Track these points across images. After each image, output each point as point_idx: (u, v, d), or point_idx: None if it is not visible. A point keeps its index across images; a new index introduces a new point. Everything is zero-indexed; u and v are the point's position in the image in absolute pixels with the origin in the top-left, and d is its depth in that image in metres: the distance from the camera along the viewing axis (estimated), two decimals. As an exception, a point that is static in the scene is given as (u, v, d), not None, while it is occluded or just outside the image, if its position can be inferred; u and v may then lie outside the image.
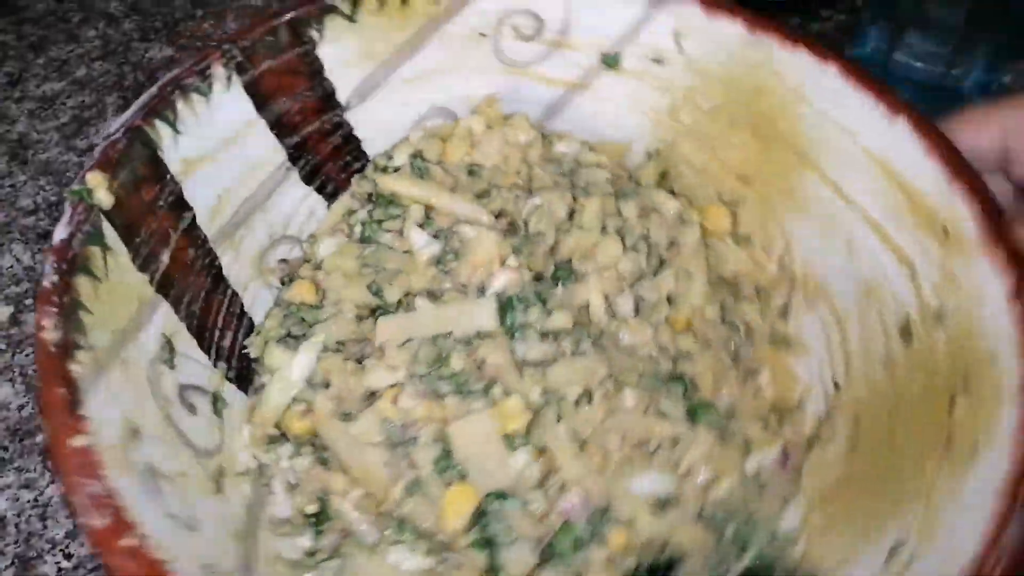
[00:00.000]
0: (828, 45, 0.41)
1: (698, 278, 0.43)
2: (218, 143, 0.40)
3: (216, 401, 0.38)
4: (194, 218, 0.39)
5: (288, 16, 0.42)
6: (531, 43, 0.47)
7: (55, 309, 0.30)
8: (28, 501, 0.42)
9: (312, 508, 0.37)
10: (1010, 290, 0.33)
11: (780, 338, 0.44)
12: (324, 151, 0.46)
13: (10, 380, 0.47)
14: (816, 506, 0.38)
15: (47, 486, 0.43)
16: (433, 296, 0.39)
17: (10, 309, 0.50)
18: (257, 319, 0.43)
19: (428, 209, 0.43)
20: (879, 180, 0.40)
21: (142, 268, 0.36)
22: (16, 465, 0.43)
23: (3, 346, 0.49)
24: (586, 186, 0.44)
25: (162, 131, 0.37)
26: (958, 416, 0.33)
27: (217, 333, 0.40)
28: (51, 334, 0.29)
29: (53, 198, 0.56)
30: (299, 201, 0.46)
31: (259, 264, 0.44)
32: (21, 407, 0.46)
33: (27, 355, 0.48)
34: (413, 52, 0.46)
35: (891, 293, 0.39)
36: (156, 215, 0.37)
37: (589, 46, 0.47)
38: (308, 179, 0.46)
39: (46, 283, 0.31)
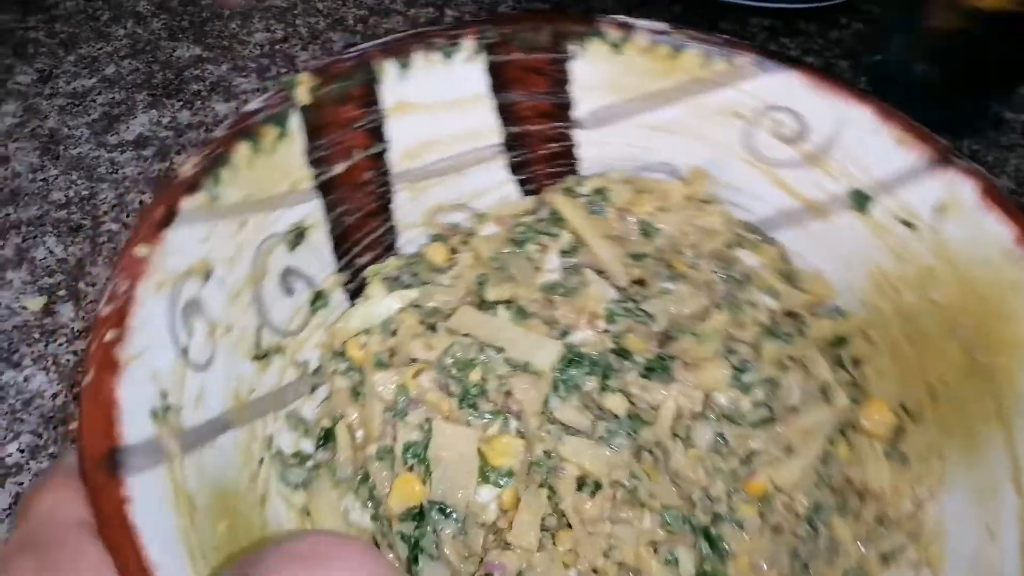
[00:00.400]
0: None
1: (800, 459, 0.37)
2: (438, 100, 0.43)
3: (318, 298, 0.42)
4: (384, 151, 0.43)
5: (557, 22, 0.43)
6: (786, 146, 0.43)
7: (203, 154, 0.35)
8: None
9: (327, 423, 0.39)
10: None
11: (862, 577, 0.36)
12: (540, 152, 0.47)
13: (44, 369, 0.47)
14: None
15: None
16: (523, 314, 0.39)
17: (43, 300, 0.50)
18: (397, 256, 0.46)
19: (578, 243, 0.42)
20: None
21: (313, 164, 0.41)
22: (51, 452, 0.44)
23: (37, 335, 0.49)
24: (741, 303, 0.40)
25: (389, 69, 0.41)
26: None
27: (358, 249, 0.44)
28: (183, 168, 0.35)
29: (85, 192, 0.57)
30: (497, 183, 0.47)
31: (431, 216, 0.46)
32: (55, 395, 0.46)
33: (60, 344, 0.48)
34: (664, 104, 0.45)
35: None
36: (348, 132, 0.42)
37: (844, 176, 0.42)
38: (515, 169, 0.47)
39: (214, 134, 0.36)
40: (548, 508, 0.34)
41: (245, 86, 0.67)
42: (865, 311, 0.41)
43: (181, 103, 0.65)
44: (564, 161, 0.48)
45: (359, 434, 0.38)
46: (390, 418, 0.36)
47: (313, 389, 0.41)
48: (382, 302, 0.41)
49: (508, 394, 0.36)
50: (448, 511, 0.34)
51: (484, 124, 0.45)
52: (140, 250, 0.32)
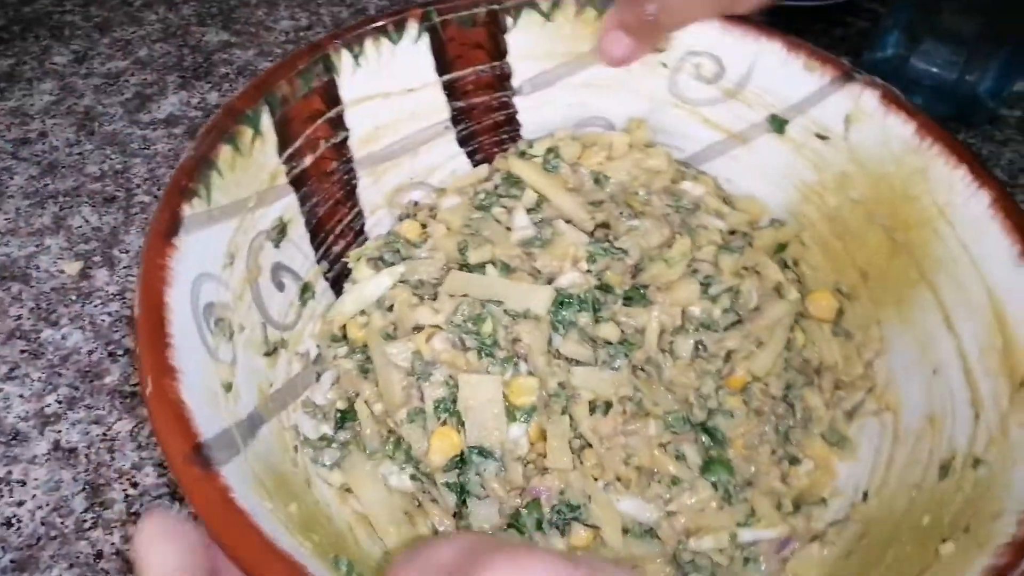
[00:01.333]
0: (853, 54, 0.40)
1: (769, 350, 0.42)
2: (391, 86, 0.46)
3: (305, 290, 0.44)
4: (346, 139, 0.45)
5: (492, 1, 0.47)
6: (708, 86, 0.48)
7: (193, 162, 0.37)
8: (97, 435, 0.45)
9: (342, 404, 0.42)
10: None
11: (838, 437, 0.42)
12: (484, 122, 0.50)
13: (80, 328, 0.50)
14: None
15: (115, 422, 0.46)
16: (507, 269, 0.42)
17: (80, 264, 0.53)
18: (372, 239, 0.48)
19: (541, 200, 0.46)
20: (986, 318, 0.37)
21: (285, 160, 0.42)
22: (87, 403, 0.47)
23: (74, 297, 0.52)
24: (695, 228, 0.45)
25: (345, 60, 0.44)
26: (943, 556, 0.30)
27: (332, 238, 0.46)
28: (182, 177, 0.36)
29: (119, 166, 0.60)
30: (448, 158, 0.50)
31: (392, 197, 0.49)
32: (91, 352, 0.49)
33: (95, 306, 0.51)
34: (592, 63, 0.49)
35: (951, 428, 0.36)
36: (314, 124, 0.44)
37: (761, 105, 0.47)
38: (462, 142, 0.50)
39: (194, 146, 0.38)
40: (571, 432, 0.38)
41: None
42: (796, 218, 0.47)
43: (210, 85, 0.68)
44: (508, 128, 0.51)
45: (377, 407, 0.40)
46: (413, 382, 0.39)
47: (318, 376, 0.43)
48: (372, 282, 0.43)
49: (515, 340, 0.39)
50: (487, 453, 0.37)
51: (433, 103, 0.48)
52: (161, 258, 0.34)
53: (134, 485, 0.44)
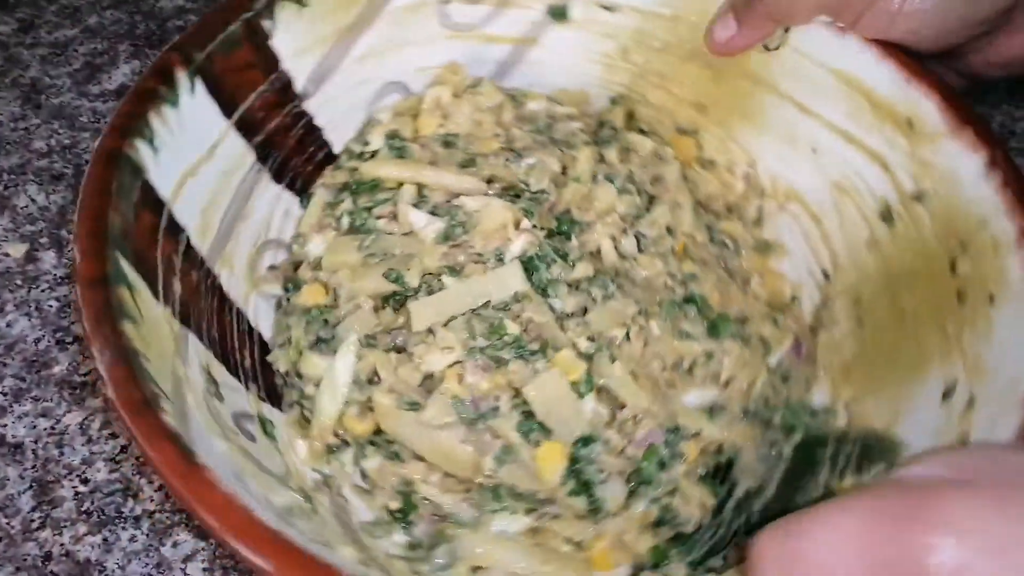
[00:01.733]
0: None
1: (686, 206, 0.45)
2: (195, 155, 0.38)
3: (264, 424, 0.36)
4: (189, 239, 0.37)
5: (240, 8, 0.39)
6: (477, 5, 0.47)
7: (123, 364, 0.28)
8: (45, 429, 0.43)
9: (396, 504, 0.36)
10: (986, 163, 0.37)
11: (762, 245, 0.47)
12: (289, 145, 0.44)
13: (26, 315, 0.48)
14: (840, 381, 0.41)
15: (64, 414, 0.44)
16: (454, 272, 0.39)
17: (26, 247, 0.50)
18: (264, 332, 0.41)
19: (419, 188, 0.42)
20: (837, 89, 0.43)
21: (164, 301, 0.33)
22: (33, 395, 0.44)
23: (19, 282, 0.49)
24: (566, 139, 0.45)
25: (143, 152, 0.34)
26: (963, 272, 0.37)
27: (237, 355, 0.38)
28: (134, 392, 0.27)
29: (67, 141, 0.57)
30: (273, 202, 0.43)
31: (251, 275, 0.41)
32: (37, 340, 0.46)
33: (42, 290, 0.49)
34: (362, 30, 0.44)
35: (865, 186, 0.43)
36: (158, 242, 0.35)
37: (536, 1, 0.47)
38: (277, 177, 0.43)
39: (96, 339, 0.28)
40: (624, 371, 0.38)
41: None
42: (621, 88, 0.49)
43: (163, 52, 0.64)
44: (312, 138, 0.45)
45: (434, 479, 0.36)
46: (475, 429, 0.35)
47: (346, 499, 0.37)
48: (335, 369, 0.37)
49: (527, 328, 0.37)
50: (586, 440, 0.36)
51: (236, 151, 0.41)
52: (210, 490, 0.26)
53: (84, 482, 0.41)
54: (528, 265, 0.39)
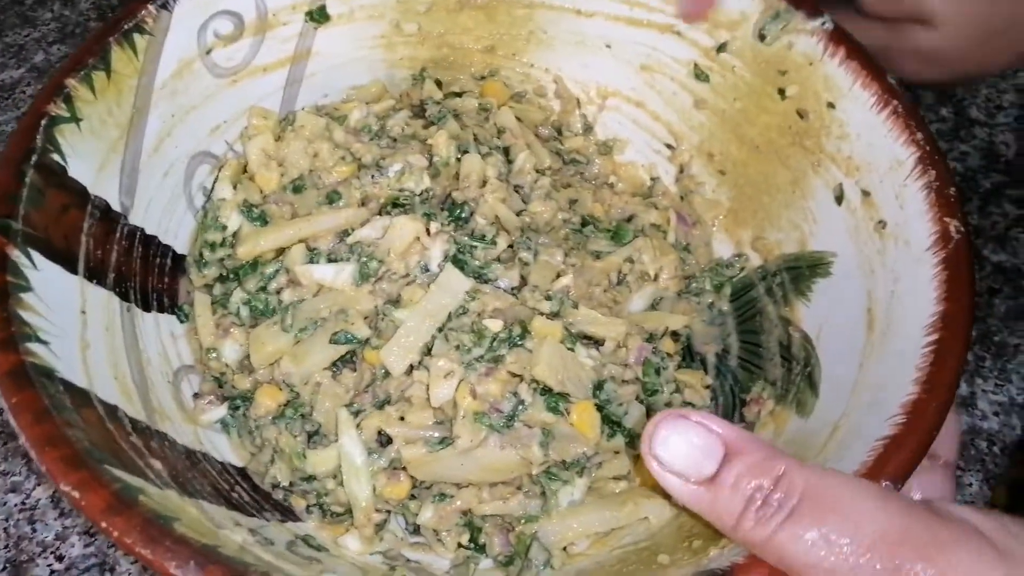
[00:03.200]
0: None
1: (534, 143, 0.47)
2: (75, 326, 0.33)
3: (307, 541, 0.34)
4: (127, 416, 0.32)
5: (21, 154, 0.34)
6: (237, 42, 0.43)
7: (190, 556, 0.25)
8: (16, 505, 0.42)
9: (464, 537, 0.36)
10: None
11: (603, 146, 0.50)
12: (137, 268, 0.39)
13: None
14: (733, 228, 0.46)
15: (33, 488, 0.42)
16: (395, 304, 0.38)
17: None
18: (230, 459, 0.38)
19: (304, 244, 0.40)
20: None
21: (155, 480, 0.30)
22: (1, 469, 0.43)
23: None
24: (407, 133, 0.44)
25: (43, 355, 0.29)
26: (793, 93, 0.42)
27: (236, 495, 0.35)
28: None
29: None
30: (156, 331, 0.39)
31: (184, 411, 0.37)
32: (2, 411, 0.40)
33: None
34: (144, 118, 0.40)
35: (668, 57, 0.47)
36: (111, 431, 0.30)
37: (292, 12, 0.44)
38: (145, 305, 0.39)
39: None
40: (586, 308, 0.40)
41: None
42: (399, 66, 0.48)
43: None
44: (153, 250, 0.40)
45: (486, 495, 0.37)
46: (510, 436, 0.36)
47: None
48: (350, 452, 0.35)
49: (496, 315, 0.38)
50: (598, 386, 0.38)
51: (101, 303, 0.36)
52: None
53: (59, 558, 0.41)
54: (457, 262, 0.39)
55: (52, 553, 0.40)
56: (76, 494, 0.26)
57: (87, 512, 0.25)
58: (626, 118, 0.49)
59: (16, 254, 0.31)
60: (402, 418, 0.36)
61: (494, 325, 0.36)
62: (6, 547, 0.40)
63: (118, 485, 0.26)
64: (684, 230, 0.47)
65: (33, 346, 0.29)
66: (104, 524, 0.25)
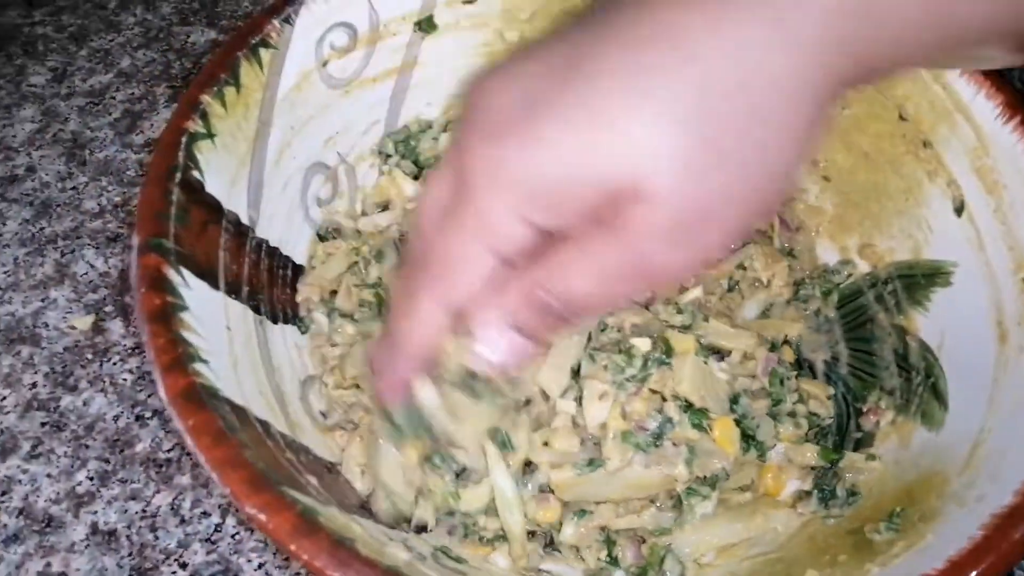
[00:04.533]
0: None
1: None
2: (224, 345, 0.33)
3: (447, 553, 0.35)
4: (279, 432, 0.33)
5: (166, 173, 0.34)
6: (352, 52, 0.44)
7: None
8: (136, 512, 0.42)
9: (603, 553, 0.37)
10: None
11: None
12: (264, 281, 0.40)
13: (102, 391, 0.46)
14: (838, 234, 0.46)
15: (153, 495, 0.42)
16: None
17: (92, 318, 0.48)
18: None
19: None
20: None
21: (332, 501, 0.30)
22: (120, 477, 0.43)
23: (90, 356, 0.47)
24: None
25: (206, 373, 0.30)
26: (905, 102, 0.42)
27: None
28: None
29: (117, 198, 0.54)
30: (283, 343, 0.40)
31: (315, 421, 0.38)
32: (116, 418, 0.45)
33: (114, 364, 0.47)
34: (268, 132, 0.40)
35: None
36: (272, 452, 0.31)
37: (402, 23, 0.45)
38: (273, 318, 0.39)
39: None
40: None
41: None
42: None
43: (203, 89, 0.59)
44: (276, 262, 0.41)
45: (621, 510, 0.37)
46: (654, 441, 0.36)
47: None
48: (505, 492, 0.36)
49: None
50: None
51: (240, 317, 0.36)
52: None
53: (183, 566, 0.40)
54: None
55: (176, 560, 0.40)
56: (263, 517, 0.26)
57: (274, 535, 0.26)
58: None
59: (172, 273, 0.32)
60: (546, 443, 0.36)
61: (642, 344, 0.37)
62: (130, 555, 0.40)
63: (299, 507, 0.27)
64: (787, 235, 0.47)
65: (199, 366, 0.30)
66: (293, 547, 0.26)
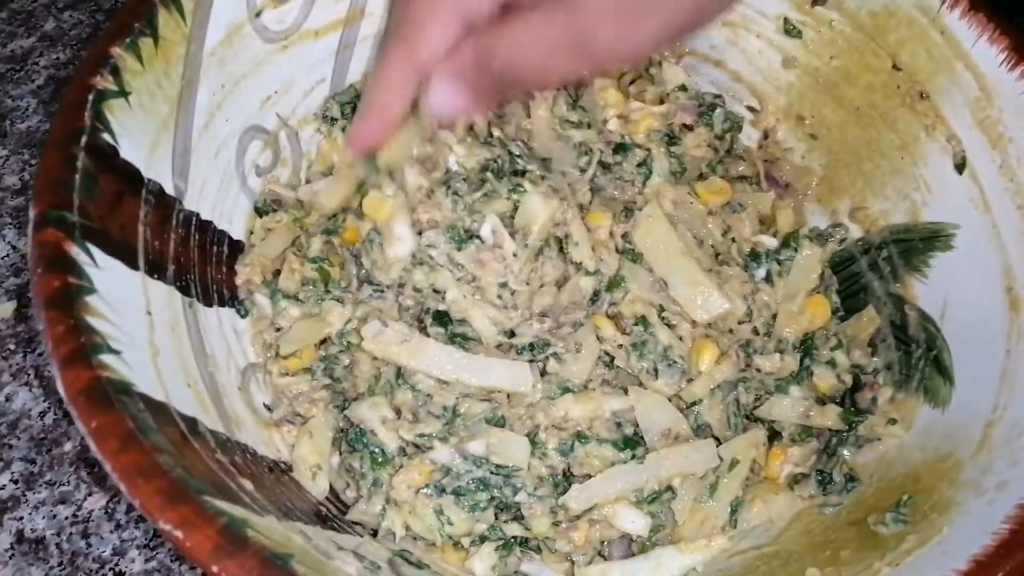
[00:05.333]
0: None
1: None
2: (142, 331, 0.29)
3: (407, 560, 0.31)
4: (208, 430, 0.29)
5: (72, 134, 0.30)
6: (289, 2, 0.39)
7: None
8: (67, 518, 0.38)
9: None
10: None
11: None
12: (195, 259, 0.35)
13: (26, 384, 0.42)
14: (827, 196, 0.43)
15: (85, 499, 0.39)
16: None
17: (13, 304, 0.45)
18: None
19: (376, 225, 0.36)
20: None
21: (278, 513, 0.26)
22: (47, 479, 0.40)
23: (12, 346, 0.43)
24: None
25: (117, 367, 0.26)
26: (901, 51, 0.38)
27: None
28: None
29: None
30: (220, 328, 0.35)
31: (257, 415, 0.34)
32: (43, 414, 0.41)
33: (39, 354, 0.43)
34: (194, 91, 0.36)
35: (754, 11, 0.43)
36: (198, 451, 0.27)
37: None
38: (207, 300, 0.35)
39: None
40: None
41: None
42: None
43: (132, 55, 0.56)
44: (209, 237, 0.36)
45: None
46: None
47: None
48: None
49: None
50: None
51: (164, 300, 0.32)
52: None
53: (119, 575, 0.37)
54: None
55: (111, 569, 0.37)
56: (179, 534, 0.22)
57: (194, 555, 0.22)
58: (703, 79, 0.46)
59: (75, 251, 0.28)
60: None
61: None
62: (60, 564, 0.37)
63: (223, 519, 0.23)
64: (778, 192, 0.44)
65: (106, 358, 0.26)
66: (215, 568, 0.22)
